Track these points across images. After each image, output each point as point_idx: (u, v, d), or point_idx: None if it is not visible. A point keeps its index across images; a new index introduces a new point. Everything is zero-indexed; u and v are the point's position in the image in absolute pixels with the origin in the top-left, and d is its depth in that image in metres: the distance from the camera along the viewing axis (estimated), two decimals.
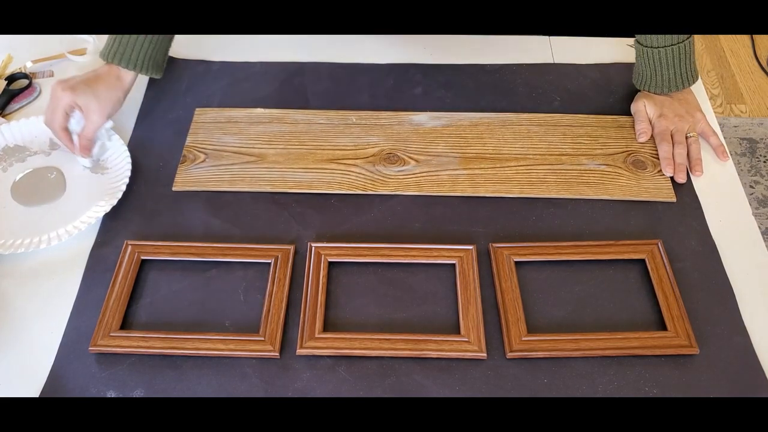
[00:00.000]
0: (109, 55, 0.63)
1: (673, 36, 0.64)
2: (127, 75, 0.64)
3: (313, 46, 0.78)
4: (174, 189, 0.63)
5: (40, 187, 0.63)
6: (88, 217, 0.60)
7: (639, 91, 0.71)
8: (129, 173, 0.62)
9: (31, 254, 0.58)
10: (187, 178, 0.64)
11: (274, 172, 0.64)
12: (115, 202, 0.60)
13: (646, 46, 0.66)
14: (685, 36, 0.65)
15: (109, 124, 0.64)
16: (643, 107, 0.69)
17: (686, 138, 0.66)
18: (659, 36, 0.65)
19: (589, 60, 0.76)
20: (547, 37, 0.79)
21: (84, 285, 0.56)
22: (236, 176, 0.64)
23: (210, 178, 0.63)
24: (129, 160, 0.64)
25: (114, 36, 0.63)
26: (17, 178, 0.64)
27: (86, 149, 0.63)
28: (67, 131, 0.62)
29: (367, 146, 0.66)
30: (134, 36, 0.63)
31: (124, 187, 0.61)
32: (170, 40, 0.68)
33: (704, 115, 0.68)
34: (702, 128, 0.67)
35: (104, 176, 0.64)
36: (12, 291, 0.56)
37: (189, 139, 0.67)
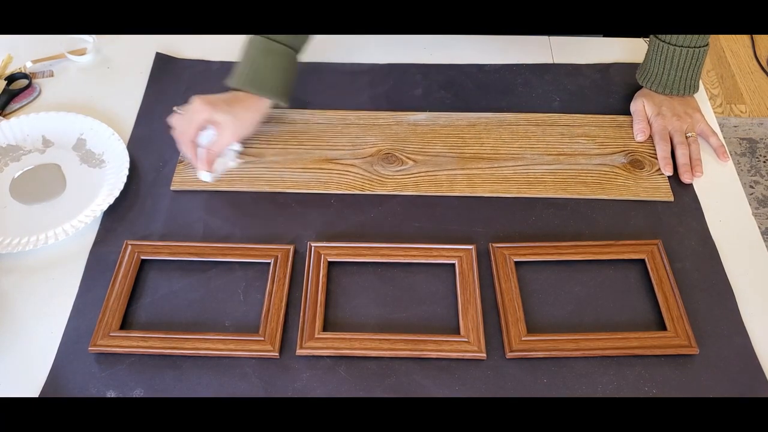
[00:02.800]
0: (243, 83, 0.62)
1: (693, 38, 0.64)
2: (263, 101, 0.63)
3: (313, 46, 0.77)
4: (172, 188, 0.63)
5: (40, 185, 0.63)
6: (91, 212, 0.60)
7: (638, 90, 0.71)
8: (127, 169, 0.62)
9: (31, 254, 0.58)
10: (186, 178, 0.63)
11: (272, 172, 0.64)
12: (115, 197, 0.60)
13: (663, 41, 0.65)
14: (704, 43, 0.65)
15: (237, 146, 0.64)
16: (642, 107, 0.69)
17: (686, 138, 0.66)
18: (679, 35, 0.64)
19: (589, 60, 0.76)
20: (547, 37, 0.80)
21: (83, 285, 0.56)
22: (234, 176, 0.64)
23: None
24: (127, 156, 0.64)
25: (244, 63, 0.62)
26: (16, 176, 0.64)
27: (210, 164, 0.62)
28: (194, 144, 0.61)
29: (365, 146, 0.66)
30: (264, 64, 0.62)
31: (124, 181, 0.61)
32: (297, 66, 0.65)
33: (703, 116, 0.68)
34: (701, 128, 0.67)
35: (102, 172, 0.64)
36: (12, 291, 0.56)
37: None
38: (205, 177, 0.63)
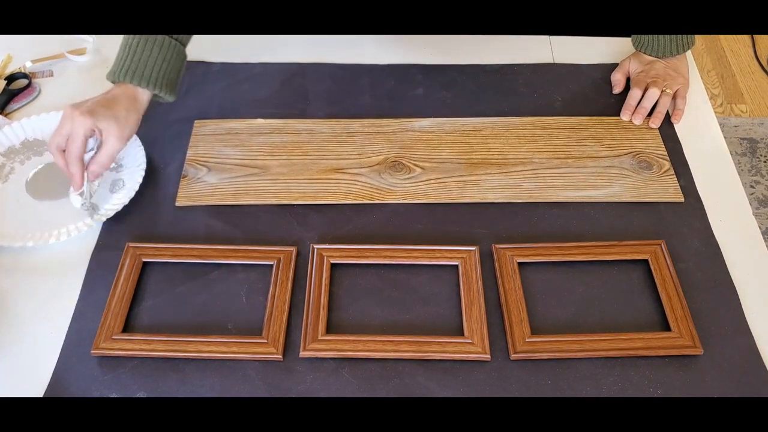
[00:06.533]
0: (120, 75, 0.59)
1: None
2: (143, 95, 0.59)
3: (313, 46, 0.78)
4: (177, 204, 0.61)
5: (54, 183, 0.63)
6: (107, 210, 0.59)
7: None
8: (141, 177, 0.61)
9: (33, 255, 0.58)
10: (191, 193, 0.62)
11: (278, 184, 0.63)
12: (123, 204, 0.59)
13: None
14: None
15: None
16: (627, 62, 0.72)
17: (661, 91, 0.68)
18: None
19: (589, 60, 0.76)
20: (547, 37, 0.79)
21: (85, 288, 0.56)
22: (240, 189, 0.62)
23: (213, 192, 0.62)
24: (144, 162, 0.62)
25: (123, 55, 0.59)
26: (31, 174, 0.64)
27: (96, 176, 0.58)
28: (82, 160, 0.56)
29: (371, 154, 0.65)
30: (146, 54, 0.59)
31: (136, 189, 0.60)
32: (183, 60, 0.63)
33: (687, 82, 0.70)
34: (679, 91, 0.69)
35: (118, 176, 0.63)
36: (13, 293, 0.56)
37: (189, 153, 0.66)
38: (76, 202, 0.59)
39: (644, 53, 0.71)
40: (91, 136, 0.56)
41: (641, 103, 0.68)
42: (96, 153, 0.57)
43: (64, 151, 0.56)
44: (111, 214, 0.59)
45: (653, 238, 0.59)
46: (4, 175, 0.64)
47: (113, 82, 0.60)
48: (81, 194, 0.58)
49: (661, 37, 0.68)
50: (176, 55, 0.61)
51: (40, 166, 0.65)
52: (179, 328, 0.53)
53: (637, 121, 0.67)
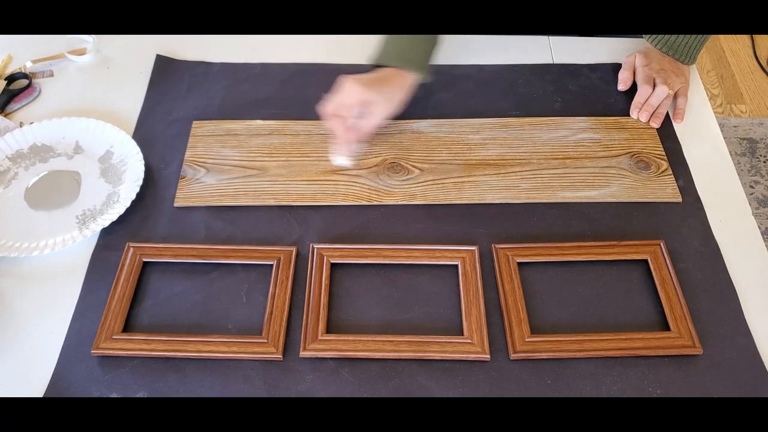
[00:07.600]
0: (390, 58, 0.62)
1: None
2: (410, 77, 0.62)
3: (314, 47, 0.78)
4: (176, 205, 0.61)
5: (54, 192, 0.63)
6: (95, 225, 0.59)
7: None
8: (135, 194, 0.60)
9: (32, 257, 0.58)
10: (189, 194, 0.62)
11: (277, 185, 0.63)
12: (112, 221, 0.59)
13: None
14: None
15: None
16: (633, 58, 0.72)
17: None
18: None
19: (589, 60, 0.76)
20: (546, 37, 0.79)
21: (86, 287, 0.56)
22: (239, 190, 0.62)
23: (212, 192, 0.62)
24: (141, 178, 0.62)
25: (389, 38, 0.63)
26: (32, 182, 0.63)
27: (352, 143, 0.62)
28: (346, 126, 0.61)
29: (369, 156, 0.65)
30: (406, 37, 0.62)
31: (126, 206, 0.60)
32: (437, 41, 0.66)
33: (688, 83, 0.71)
34: (680, 90, 0.70)
35: (115, 190, 0.63)
36: (13, 294, 0.56)
37: (188, 154, 0.65)
38: (341, 161, 0.63)
39: (654, 45, 0.71)
40: (360, 107, 0.60)
41: (649, 100, 0.68)
42: (361, 122, 0.61)
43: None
44: (107, 223, 0.59)
45: (653, 238, 0.59)
46: (7, 180, 0.64)
47: (378, 65, 0.62)
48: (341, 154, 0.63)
49: (674, 36, 0.69)
50: (434, 37, 0.64)
51: (43, 173, 0.64)
52: (179, 327, 0.53)
53: (644, 118, 0.68)
